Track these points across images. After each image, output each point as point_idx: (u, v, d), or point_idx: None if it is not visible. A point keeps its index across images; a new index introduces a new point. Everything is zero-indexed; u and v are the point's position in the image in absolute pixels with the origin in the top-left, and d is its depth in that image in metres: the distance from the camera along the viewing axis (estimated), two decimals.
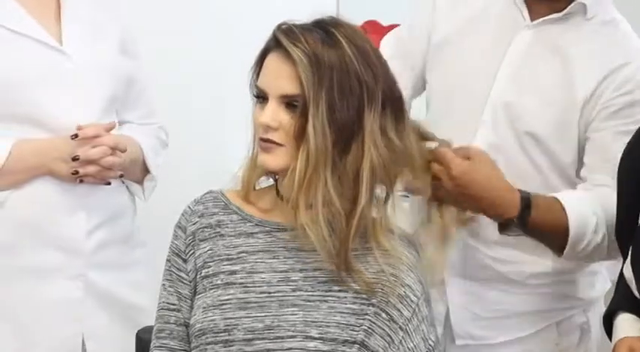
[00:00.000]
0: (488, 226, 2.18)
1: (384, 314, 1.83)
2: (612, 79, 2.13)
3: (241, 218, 1.92)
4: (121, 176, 2.37)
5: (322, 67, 1.79)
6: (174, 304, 1.92)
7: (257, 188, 1.96)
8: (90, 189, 2.31)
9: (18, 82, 2.24)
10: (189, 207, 1.96)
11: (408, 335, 1.85)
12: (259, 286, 1.85)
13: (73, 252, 2.30)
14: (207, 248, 1.90)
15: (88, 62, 2.31)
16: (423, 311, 1.88)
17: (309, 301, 1.83)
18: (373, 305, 1.83)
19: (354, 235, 1.82)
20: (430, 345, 1.88)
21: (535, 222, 2.04)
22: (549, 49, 2.18)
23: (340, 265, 1.82)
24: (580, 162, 2.19)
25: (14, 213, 2.27)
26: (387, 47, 2.33)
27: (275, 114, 1.82)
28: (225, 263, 1.88)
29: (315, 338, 1.79)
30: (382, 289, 1.83)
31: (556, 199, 2.08)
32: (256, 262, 1.87)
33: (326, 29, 1.83)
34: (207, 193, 1.97)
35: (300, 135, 1.80)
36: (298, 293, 1.83)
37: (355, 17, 1.93)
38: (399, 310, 1.84)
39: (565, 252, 2.11)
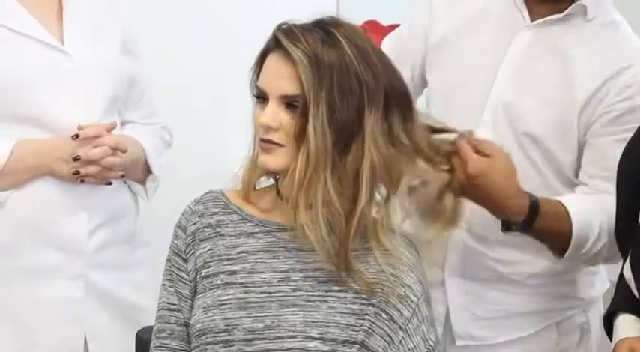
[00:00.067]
0: (488, 227, 2.18)
1: (384, 314, 1.83)
2: (614, 83, 2.13)
3: (241, 218, 1.92)
4: (123, 176, 2.36)
5: (322, 67, 1.79)
6: (174, 304, 1.92)
7: (257, 188, 1.96)
8: (91, 189, 2.31)
9: (19, 81, 2.24)
10: (189, 207, 1.96)
11: (408, 335, 1.85)
12: (259, 286, 1.85)
13: (74, 252, 2.30)
14: (208, 248, 1.90)
15: (89, 62, 2.31)
16: (423, 311, 1.88)
17: (309, 301, 1.83)
18: (373, 305, 1.83)
19: (353, 235, 1.82)
20: (430, 345, 1.88)
21: (540, 228, 2.05)
22: (549, 49, 2.18)
23: (340, 265, 1.82)
24: (578, 164, 2.19)
25: (15, 213, 2.27)
26: (387, 48, 2.33)
27: (275, 114, 1.82)
28: (225, 263, 1.88)
29: (315, 338, 1.79)
30: (382, 289, 1.83)
31: (563, 206, 2.08)
32: (256, 262, 1.87)
33: (326, 29, 1.83)
34: (208, 193, 1.98)
35: (300, 135, 1.80)
36: (298, 293, 1.83)
37: (355, 17, 1.93)
38: (399, 310, 1.84)
39: (565, 256, 2.11)
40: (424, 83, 2.34)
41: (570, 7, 2.17)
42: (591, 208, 2.10)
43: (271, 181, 1.94)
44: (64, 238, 2.29)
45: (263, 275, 1.85)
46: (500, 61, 2.20)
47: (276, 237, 1.89)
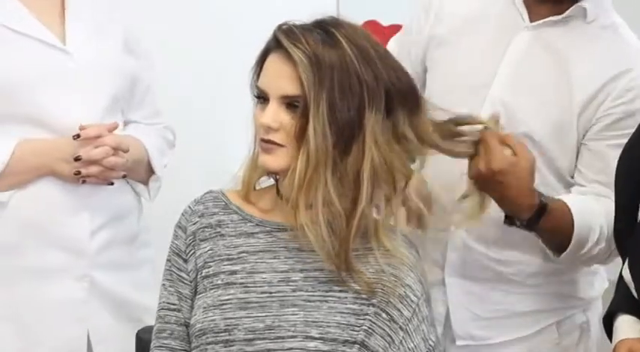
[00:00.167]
0: (488, 227, 2.18)
1: (384, 315, 1.83)
2: (614, 86, 2.13)
3: (242, 218, 1.92)
4: (125, 176, 2.36)
5: (323, 68, 1.79)
6: (174, 304, 1.92)
7: (257, 188, 1.96)
8: (93, 189, 2.31)
9: (20, 81, 2.24)
10: (189, 207, 1.96)
11: (409, 335, 1.85)
12: (260, 286, 1.85)
13: (76, 252, 2.30)
14: (208, 248, 1.90)
15: (90, 62, 2.31)
16: (423, 311, 1.88)
17: (309, 301, 1.83)
18: (373, 305, 1.83)
19: (354, 235, 1.82)
20: (430, 345, 1.88)
21: (544, 226, 2.05)
22: (548, 51, 2.18)
23: (340, 265, 1.82)
24: (575, 166, 2.19)
25: (17, 214, 2.26)
26: (391, 50, 2.33)
27: (276, 115, 1.82)
28: (225, 263, 1.88)
29: (316, 338, 1.79)
30: (382, 289, 1.83)
31: (566, 206, 2.08)
32: (257, 262, 1.87)
33: (326, 29, 1.83)
34: (208, 193, 1.98)
35: (300, 135, 1.80)
36: (299, 293, 1.83)
37: (355, 17, 1.93)
38: (399, 310, 1.84)
39: (563, 254, 2.11)
40: (424, 84, 2.34)
41: (570, 9, 2.17)
42: (593, 211, 2.10)
43: (271, 181, 1.94)
44: (66, 238, 2.29)
45: (263, 276, 1.85)
46: (500, 61, 2.20)
47: (277, 237, 1.89)
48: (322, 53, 1.80)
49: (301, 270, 1.86)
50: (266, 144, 1.83)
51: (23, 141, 2.26)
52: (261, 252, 1.88)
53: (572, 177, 2.19)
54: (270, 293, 1.84)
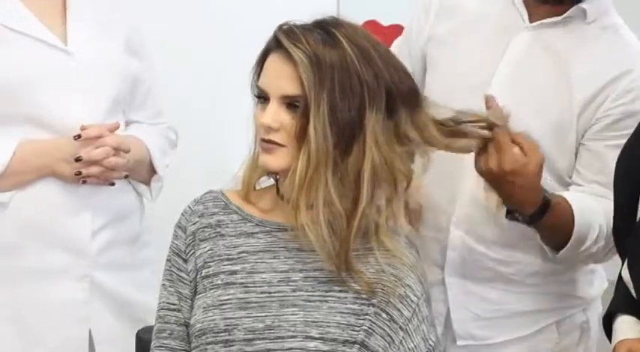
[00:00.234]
0: (487, 227, 2.18)
1: (384, 315, 1.83)
2: (614, 87, 2.13)
3: (241, 218, 1.92)
4: (126, 176, 2.36)
5: (323, 68, 1.79)
6: (174, 304, 1.92)
7: (257, 188, 1.96)
8: (94, 189, 2.31)
9: (21, 81, 2.23)
10: (189, 207, 1.96)
11: (409, 335, 1.85)
12: (260, 286, 1.85)
13: (78, 252, 2.30)
14: (208, 248, 1.90)
15: (92, 62, 2.31)
16: (423, 311, 1.88)
17: (309, 301, 1.83)
18: (373, 305, 1.83)
19: (354, 236, 1.82)
20: (430, 345, 1.89)
21: (546, 222, 2.05)
22: (548, 51, 2.18)
23: (340, 265, 1.82)
24: (574, 167, 2.19)
25: (18, 214, 2.26)
26: (394, 51, 2.34)
27: (276, 115, 1.82)
28: (225, 263, 1.88)
29: (316, 338, 1.79)
30: (383, 289, 1.84)
31: (567, 202, 2.08)
32: (257, 262, 1.87)
33: (327, 29, 1.83)
34: (207, 193, 1.98)
35: (301, 135, 1.80)
36: (298, 293, 1.83)
37: (355, 17, 1.93)
38: (399, 310, 1.84)
39: (561, 252, 2.11)
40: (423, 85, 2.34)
41: (570, 10, 2.17)
42: (593, 209, 2.10)
43: (271, 181, 1.94)
44: (67, 239, 2.29)
45: (263, 276, 1.86)
46: (499, 61, 2.20)
47: (277, 237, 1.89)
48: (323, 53, 1.80)
49: (301, 270, 1.86)
50: (266, 144, 1.83)
51: (24, 141, 2.25)
52: (261, 251, 1.88)
53: (571, 178, 2.19)
54: (270, 293, 1.84)
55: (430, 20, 2.29)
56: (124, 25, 2.41)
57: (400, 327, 1.84)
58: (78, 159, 2.26)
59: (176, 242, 1.94)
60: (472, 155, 2.02)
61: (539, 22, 2.19)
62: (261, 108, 1.85)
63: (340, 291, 1.84)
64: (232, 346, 1.81)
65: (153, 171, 2.45)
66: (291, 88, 1.81)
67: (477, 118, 1.97)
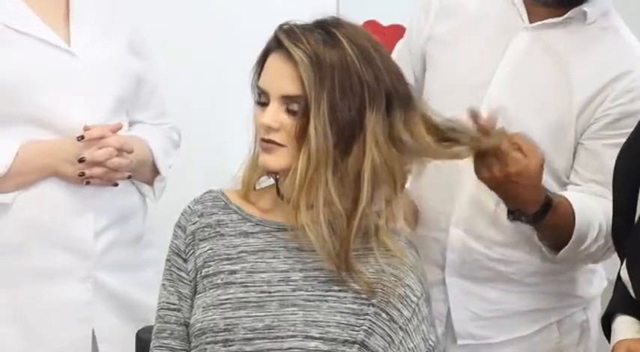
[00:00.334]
0: (487, 226, 2.18)
1: (384, 315, 1.83)
2: (613, 87, 2.13)
3: (241, 217, 1.92)
4: (129, 177, 2.36)
5: (323, 68, 1.79)
6: (174, 304, 1.92)
7: (257, 188, 1.96)
8: (97, 190, 2.30)
9: (24, 82, 2.23)
10: (188, 207, 1.96)
11: (408, 335, 1.85)
12: (259, 286, 1.85)
13: (81, 253, 2.29)
14: (207, 247, 1.90)
15: (95, 62, 2.30)
16: (423, 311, 1.88)
17: (309, 301, 1.83)
18: (373, 305, 1.83)
19: (354, 236, 1.82)
20: (430, 345, 1.89)
21: (548, 222, 2.05)
22: (548, 52, 2.18)
23: (340, 265, 1.82)
24: (573, 168, 2.19)
25: (22, 215, 2.26)
26: (396, 52, 2.35)
27: (276, 114, 1.82)
28: (225, 262, 1.88)
29: (316, 338, 1.79)
30: (382, 289, 1.84)
31: (568, 201, 2.08)
32: (256, 262, 1.87)
33: (327, 29, 1.83)
34: (207, 193, 1.98)
35: (301, 135, 1.80)
36: (298, 293, 1.84)
37: (355, 17, 1.93)
38: (399, 310, 1.84)
39: (562, 251, 2.12)
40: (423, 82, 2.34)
41: (571, 11, 2.17)
42: (592, 208, 2.10)
43: (271, 181, 1.94)
44: (70, 239, 2.28)
45: (263, 275, 1.86)
46: (499, 61, 2.20)
47: (277, 236, 1.89)
48: (323, 53, 1.80)
49: (301, 270, 1.86)
50: (266, 144, 1.83)
51: (27, 142, 2.25)
52: (260, 251, 1.88)
53: (569, 178, 2.19)
54: (270, 292, 1.84)
55: (430, 20, 2.29)
56: (126, 25, 2.41)
57: (400, 327, 1.84)
58: (81, 160, 2.25)
59: (176, 241, 1.94)
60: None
61: (539, 23, 2.19)
62: (261, 108, 1.85)
63: (340, 291, 1.84)
64: (232, 346, 1.81)
65: (156, 171, 2.45)
66: (292, 88, 1.81)
67: (464, 130, 1.95)
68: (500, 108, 2.17)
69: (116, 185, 2.32)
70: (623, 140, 1.99)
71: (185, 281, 1.92)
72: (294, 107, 1.81)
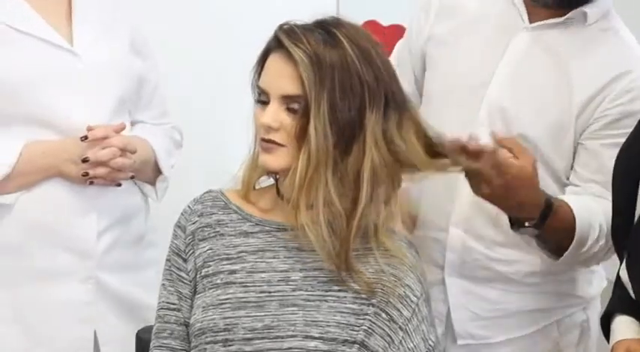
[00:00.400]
0: (487, 226, 2.19)
1: (383, 315, 1.83)
2: (613, 87, 2.13)
3: (241, 217, 1.92)
4: (132, 177, 2.36)
5: (324, 68, 1.79)
6: (174, 303, 1.92)
7: (257, 187, 1.96)
8: (100, 190, 2.30)
9: (27, 82, 2.23)
10: (188, 207, 1.96)
11: (408, 335, 1.85)
12: (259, 285, 1.85)
13: (83, 253, 2.29)
14: (207, 247, 1.91)
15: (98, 63, 2.30)
16: (422, 311, 1.88)
17: (309, 301, 1.83)
18: (373, 305, 1.83)
19: (354, 236, 1.82)
20: (430, 345, 1.89)
21: (550, 225, 2.05)
22: (548, 52, 2.18)
23: (340, 265, 1.82)
24: (572, 168, 2.19)
25: (24, 215, 2.26)
26: (395, 52, 2.35)
27: (276, 114, 1.82)
28: (224, 262, 1.88)
29: (315, 338, 1.79)
30: (382, 289, 1.84)
31: (569, 205, 2.08)
32: (256, 261, 1.87)
33: (328, 29, 1.83)
34: (207, 193, 1.98)
35: (301, 135, 1.80)
36: (298, 292, 1.84)
37: (355, 17, 1.93)
38: (398, 310, 1.84)
39: (565, 254, 2.11)
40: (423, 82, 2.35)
41: (571, 12, 2.17)
42: (592, 209, 2.10)
43: (270, 181, 1.94)
44: (73, 240, 2.28)
45: (263, 275, 1.86)
46: (499, 61, 2.20)
47: (276, 236, 1.89)
48: (323, 53, 1.80)
49: (301, 270, 1.86)
50: (266, 143, 1.84)
51: (31, 142, 2.25)
52: (260, 251, 1.88)
53: (568, 179, 2.19)
54: (270, 292, 1.84)
55: (430, 20, 2.29)
56: (127, 25, 2.41)
57: (400, 327, 1.84)
58: (85, 160, 2.25)
59: (175, 241, 1.94)
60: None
61: (539, 23, 2.19)
62: (262, 107, 1.85)
63: (340, 291, 1.84)
64: (231, 345, 1.82)
65: (158, 171, 2.45)
66: (292, 88, 1.81)
67: (453, 158, 1.93)
68: (500, 106, 2.17)
69: (119, 185, 2.32)
70: (623, 140, 1.99)
71: (185, 281, 1.92)
72: (294, 107, 1.81)
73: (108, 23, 2.36)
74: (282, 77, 1.82)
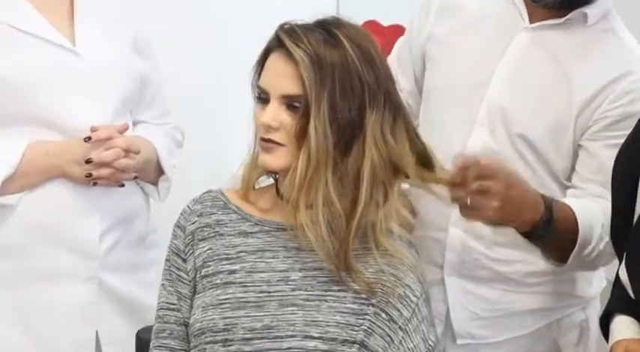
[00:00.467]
0: (486, 226, 2.18)
1: (383, 315, 1.83)
2: (612, 88, 2.13)
3: (240, 217, 1.93)
4: (135, 178, 2.35)
5: (324, 68, 1.79)
6: (174, 304, 1.92)
7: (256, 187, 1.96)
8: (103, 191, 2.30)
9: (30, 82, 2.22)
10: (188, 207, 1.96)
11: (408, 335, 1.85)
12: (258, 285, 1.85)
13: (86, 254, 2.29)
14: (207, 247, 1.91)
15: (100, 63, 2.30)
16: (422, 311, 1.88)
17: (308, 301, 1.83)
18: (373, 305, 1.83)
19: (354, 236, 1.82)
20: (430, 345, 1.89)
21: (555, 226, 2.04)
22: (547, 52, 2.18)
23: (340, 265, 1.82)
24: (572, 169, 2.19)
25: (27, 216, 2.25)
26: (395, 52, 2.35)
27: (276, 114, 1.82)
28: (224, 262, 1.88)
29: (315, 338, 1.79)
30: (382, 289, 1.84)
31: (570, 207, 2.08)
32: (255, 261, 1.87)
33: (328, 29, 1.83)
34: (206, 193, 1.98)
35: (301, 135, 1.80)
36: (298, 292, 1.84)
37: (355, 17, 1.93)
38: (398, 310, 1.84)
39: (571, 256, 2.10)
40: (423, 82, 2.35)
41: (572, 13, 2.17)
42: (593, 210, 2.10)
43: (270, 181, 1.94)
44: (76, 240, 2.28)
45: (262, 275, 1.86)
46: (499, 61, 2.20)
47: (276, 236, 1.89)
48: (324, 53, 1.81)
49: (300, 270, 1.86)
50: (266, 143, 1.84)
51: (34, 142, 2.24)
52: (260, 251, 1.88)
53: (567, 180, 2.19)
54: (269, 292, 1.84)
55: (430, 20, 2.29)
56: (129, 25, 2.41)
57: (399, 327, 1.84)
58: (88, 161, 2.25)
59: (175, 241, 1.94)
60: (471, 151, 2.04)
61: (539, 23, 2.19)
62: (262, 107, 1.85)
63: (339, 291, 1.84)
64: (231, 345, 1.82)
65: (160, 171, 2.45)
66: (292, 88, 1.81)
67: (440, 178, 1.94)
68: (499, 106, 2.17)
69: (122, 186, 2.32)
70: (623, 140, 2.00)
71: (184, 281, 1.92)
72: (295, 106, 1.81)
73: (110, 23, 2.36)
74: (282, 77, 1.82)
